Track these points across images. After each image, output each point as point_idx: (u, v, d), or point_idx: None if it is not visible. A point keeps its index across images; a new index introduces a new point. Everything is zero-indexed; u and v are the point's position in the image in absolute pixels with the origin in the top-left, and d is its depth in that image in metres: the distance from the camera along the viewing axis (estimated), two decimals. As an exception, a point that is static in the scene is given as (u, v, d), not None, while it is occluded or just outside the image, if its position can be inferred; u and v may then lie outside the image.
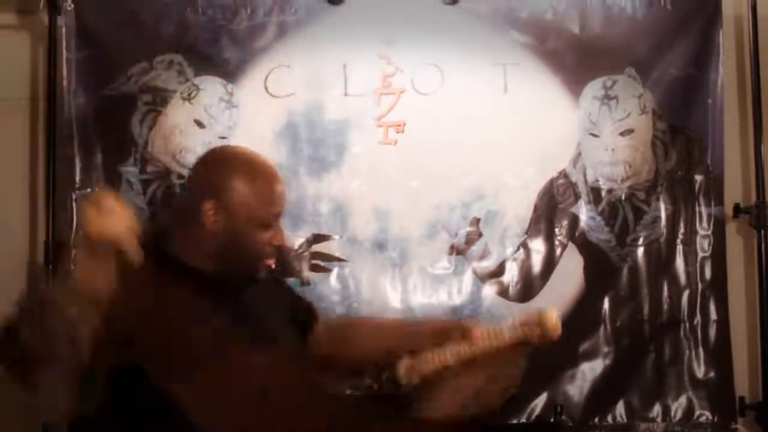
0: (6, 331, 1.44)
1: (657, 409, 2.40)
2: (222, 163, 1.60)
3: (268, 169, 1.63)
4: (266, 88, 2.40)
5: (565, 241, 2.41)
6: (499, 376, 1.74)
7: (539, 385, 2.38)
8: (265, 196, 1.59)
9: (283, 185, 1.65)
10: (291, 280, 2.32)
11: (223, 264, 1.60)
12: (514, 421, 2.35)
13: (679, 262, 2.42)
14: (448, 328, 1.74)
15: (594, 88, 2.43)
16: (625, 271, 2.41)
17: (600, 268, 2.41)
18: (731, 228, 2.46)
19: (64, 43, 2.35)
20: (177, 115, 2.37)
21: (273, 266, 1.66)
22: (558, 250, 2.41)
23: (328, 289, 2.36)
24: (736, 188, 2.47)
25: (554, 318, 1.58)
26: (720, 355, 2.40)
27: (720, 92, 2.41)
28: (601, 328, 2.39)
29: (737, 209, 2.42)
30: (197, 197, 1.57)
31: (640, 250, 2.41)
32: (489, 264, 2.37)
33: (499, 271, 2.39)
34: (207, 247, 1.56)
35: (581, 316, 2.38)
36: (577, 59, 2.44)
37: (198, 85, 2.38)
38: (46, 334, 1.43)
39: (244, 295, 1.65)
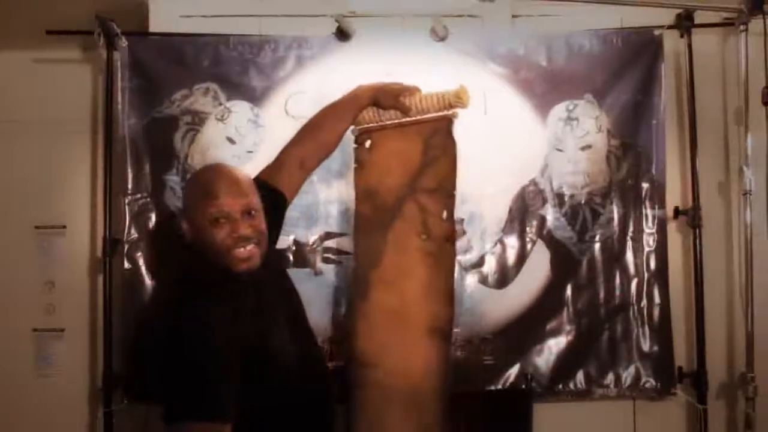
0: None
1: (610, 377, 2.48)
2: (186, 187, 1.81)
3: (212, 173, 1.73)
4: (286, 110, 2.46)
5: (534, 238, 2.49)
6: (433, 145, 2.11)
7: (513, 358, 2.47)
8: (208, 197, 1.67)
9: (230, 183, 1.70)
10: (306, 270, 2.43)
11: (201, 263, 1.70)
12: (492, 388, 2.44)
13: (629, 255, 2.50)
14: (385, 91, 2.06)
15: (559, 110, 2.50)
16: (584, 262, 2.50)
17: (564, 260, 2.49)
18: (672, 227, 2.54)
19: (119, 74, 2.42)
20: (212, 133, 2.45)
21: (250, 258, 1.67)
22: (529, 246, 2.49)
23: (336, 277, 2.45)
24: (675, 194, 2.56)
25: (466, 89, 2.09)
26: (662, 332, 2.49)
27: (662, 114, 2.48)
28: (565, 310, 2.49)
29: (677, 211, 2.53)
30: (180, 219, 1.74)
31: (597, 246, 2.49)
32: (471, 257, 2.47)
33: (480, 263, 2.48)
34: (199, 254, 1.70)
35: (548, 300, 2.49)
36: (544, 87, 2.49)
37: (230, 108, 2.46)
38: None
39: (261, 288, 1.74)
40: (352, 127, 2.17)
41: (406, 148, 2.13)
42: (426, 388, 2.07)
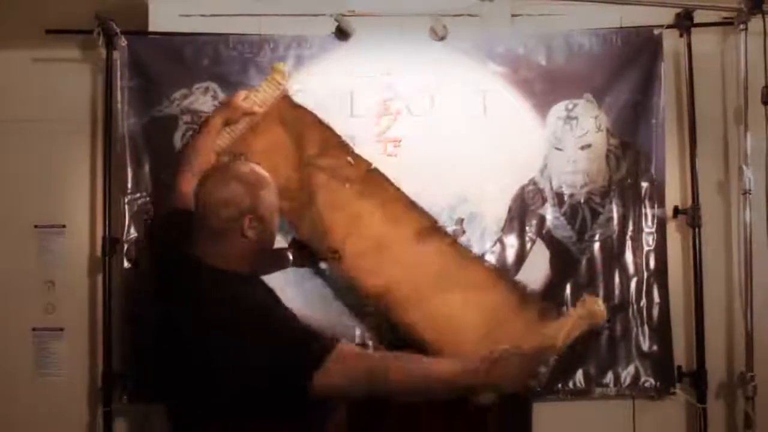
0: None
1: (610, 377, 2.46)
2: (245, 184, 1.72)
3: (246, 167, 1.78)
4: None
5: (534, 237, 2.47)
6: (291, 122, 2.22)
7: None
8: (268, 188, 1.74)
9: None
10: (306, 270, 2.38)
11: (263, 255, 1.76)
12: (492, 386, 2.48)
13: (629, 255, 2.48)
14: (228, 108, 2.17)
15: (558, 110, 2.47)
16: (584, 262, 2.48)
17: (563, 260, 2.47)
18: (671, 226, 2.52)
19: (118, 74, 2.41)
20: (212, 132, 2.39)
21: None
22: (528, 245, 2.47)
23: (337, 277, 2.36)
24: (675, 193, 2.54)
25: (278, 64, 2.25)
26: (662, 331, 2.47)
27: (662, 114, 2.46)
28: (564, 310, 2.39)
29: (676, 211, 2.52)
30: (234, 216, 1.68)
31: (596, 245, 2.48)
32: (471, 256, 2.41)
33: (479, 262, 2.41)
34: (245, 251, 1.70)
35: (548, 299, 2.41)
36: (544, 86, 2.47)
37: (229, 108, 2.41)
38: None
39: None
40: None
41: (273, 140, 2.23)
42: (456, 270, 2.18)
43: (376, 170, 2.26)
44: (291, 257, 2.37)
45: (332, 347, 1.58)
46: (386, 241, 2.21)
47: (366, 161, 2.27)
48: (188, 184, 1.96)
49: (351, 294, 2.34)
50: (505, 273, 2.29)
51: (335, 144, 2.26)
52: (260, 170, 1.78)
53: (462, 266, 2.22)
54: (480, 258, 2.30)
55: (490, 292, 2.18)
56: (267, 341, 1.57)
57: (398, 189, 2.25)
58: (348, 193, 2.23)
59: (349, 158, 2.25)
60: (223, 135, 2.15)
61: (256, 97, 2.19)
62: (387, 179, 2.25)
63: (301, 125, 2.25)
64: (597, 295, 2.34)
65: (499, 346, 1.66)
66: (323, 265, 2.34)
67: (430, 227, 2.23)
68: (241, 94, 2.18)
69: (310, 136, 2.25)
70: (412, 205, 2.24)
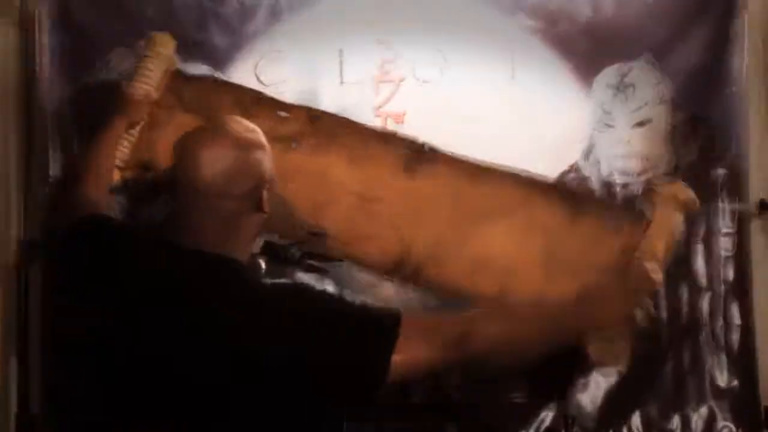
0: None
1: (676, 421, 2.22)
2: (248, 146, 1.48)
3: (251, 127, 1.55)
4: (257, 75, 2.21)
5: None
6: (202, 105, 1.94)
7: (548, 394, 2.22)
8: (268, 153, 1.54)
9: None
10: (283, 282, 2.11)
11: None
12: (522, 433, 2.15)
13: (699, 263, 2.25)
14: None
15: (608, 75, 2.24)
16: None
17: None
18: (756, 225, 2.27)
19: (39, 29, 2.14)
20: (162, 103, 2.16)
21: None
22: None
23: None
24: (760, 183, 2.28)
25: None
26: (744, 361, 2.22)
27: (744, 81, 2.22)
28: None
29: (762, 205, 2.23)
30: (253, 189, 1.47)
31: None
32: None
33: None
34: (255, 230, 1.50)
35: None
36: (589, 44, 2.24)
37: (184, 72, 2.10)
38: None
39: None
40: None
41: (179, 129, 1.81)
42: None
43: (323, 113, 1.93)
44: (264, 266, 1.93)
45: (399, 316, 1.45)
46: (367, 190, 1.88)
47: (305, 107, 1.95)
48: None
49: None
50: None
51: (255, 101, 1.93)
52: (249, 125, 1.56)
53: (476, 183, 1.86)
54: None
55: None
56: (332, 330, 1.39)
57: (363, 125, 1.93)
58: (299, 153, 1.88)
59: (281, 112, 1.92)
60: (122, 144, 1.86)
61: (147, 83, 1.88)
62: (343, 118, 1.93)
63: (205, 97, 1.94)
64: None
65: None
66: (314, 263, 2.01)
67: (417, 151, 1.89)
68: (134, 84, 1.89)
69: (221, 105, 1.92)
70: (388, 137, 1.93)
